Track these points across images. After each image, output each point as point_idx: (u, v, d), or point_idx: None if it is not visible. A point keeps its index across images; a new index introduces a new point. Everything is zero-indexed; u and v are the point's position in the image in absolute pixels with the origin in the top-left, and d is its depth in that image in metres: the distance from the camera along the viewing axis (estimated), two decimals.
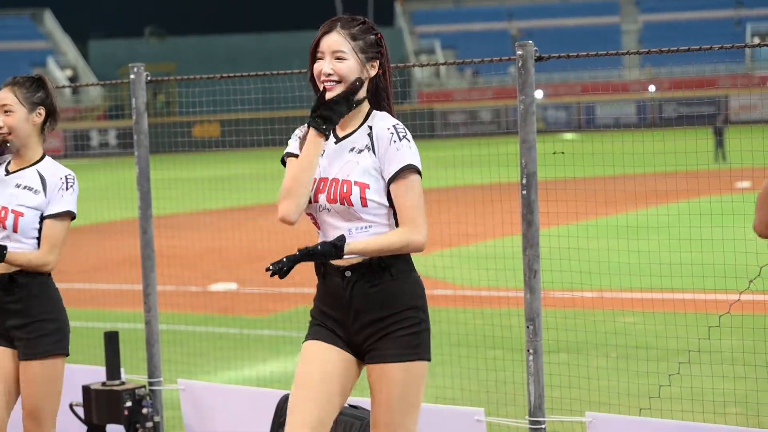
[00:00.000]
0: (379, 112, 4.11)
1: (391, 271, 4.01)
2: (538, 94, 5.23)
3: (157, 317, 6.56)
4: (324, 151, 4.06)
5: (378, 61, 4.10)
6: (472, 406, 5.92)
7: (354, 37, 4.05)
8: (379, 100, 4.13)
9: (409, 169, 3.96)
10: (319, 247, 3.91)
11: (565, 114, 56.77)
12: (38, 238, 5.15)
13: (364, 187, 3.97)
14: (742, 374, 7.51)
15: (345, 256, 3.93)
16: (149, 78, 6.52)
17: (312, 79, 4.11)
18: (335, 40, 4.04)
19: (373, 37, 4.09)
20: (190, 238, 17.61)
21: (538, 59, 5.18)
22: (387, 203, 4.01)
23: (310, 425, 3.95)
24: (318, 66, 4.06)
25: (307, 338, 4.16)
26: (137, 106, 6.50)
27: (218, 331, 11.74)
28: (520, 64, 5.16)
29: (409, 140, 4.00)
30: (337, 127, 4.08)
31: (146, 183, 6.53)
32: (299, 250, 3.91)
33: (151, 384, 6.50)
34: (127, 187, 8.50)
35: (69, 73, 71.43)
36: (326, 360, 4.06)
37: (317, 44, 4.08)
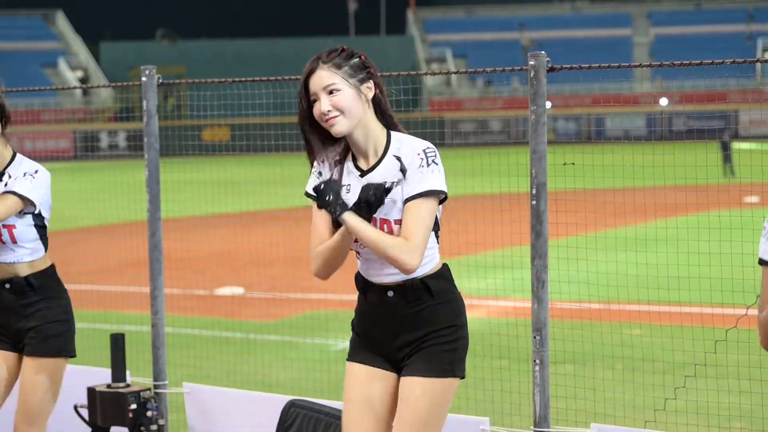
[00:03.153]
0: (397, 134, 4.05)
1: (432, 292, 4.02)
2: (546, 104, 5.23)
3: (164, 320, 6.56)
4: (350, 185, 4.03)
5: (372, 81, 4.01)
6: (477, 415, 5.91)
7: (339, 66, 3.96)
8: (385, 118, 4.06)
9: (427, 195, 3.92)
10: (328, 197, 3.88)
11: (575, 125, 56.74)
12: (39, 238, 5.19)
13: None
14: (747, 389, 7.50)
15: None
16: (160, 81, 6.53)
17: (301, 125, 4.03)
18: (321, 76, 3.95)
19: (356, 60, 3.99)
20: (198, 242, 17.62)
21: (550, 70, 5.18)
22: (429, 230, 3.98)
23: None
24: (316, 109, 3.96)
25: (350, 356, 4.18)
26: (148, 109, 6.51)
27: (224, 335, 11.74)
28: (532, 75, 5.15)
29: (437, 164, 3.95)
30: (359, 158, 4.03)
31: (155, 185, 6.54)
32: (314, 189, 3.95)
33: (156, 387, 6.50)
34: (136, 189, 8.52)
35: (80, 74, 71.57)
36: (372, 384, 4.10)
37: (306, 88, 3.98)
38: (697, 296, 7.68)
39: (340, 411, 4.24)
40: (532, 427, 5.29)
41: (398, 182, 3.94)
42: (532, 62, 5.17)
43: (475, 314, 11.00)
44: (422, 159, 3.94)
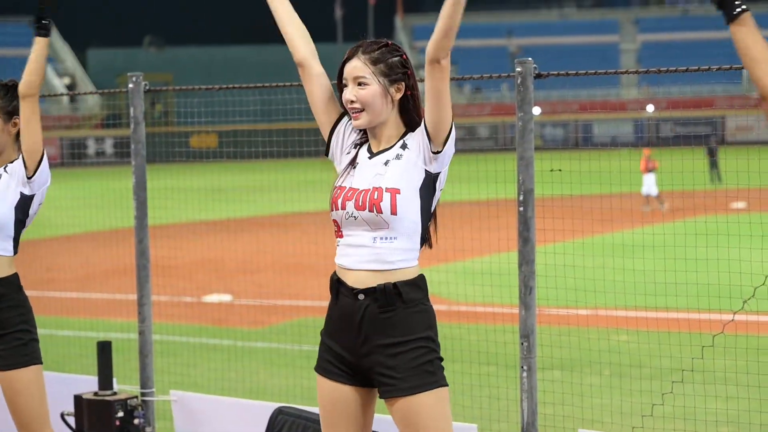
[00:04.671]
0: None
1: (404, 298, 3.98)
2: (535, 110, 5.23)
3: (151, 328, 6.55)
4: (358, 164, 4.06)
5: (404, 84, 4.04)
6: (465, 421, 5.91)
7: (375, 61, 4.00)
8: (410, 120, 4.07)
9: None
10: None
11: (563, 131, 56.85)
12: (14, 237, 5.12)
13: (394, 192, 3.93)
14: (734, 394, 7.52)
15: None
16: (147, 87, 6.52)
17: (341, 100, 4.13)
18: (355, 66, 4.01)
19: (396, 58, 4.03)
20: (186, 249, 17.59)
21: (538, 76, 5.19)
22: (417, 218, 3.98)
23: None
24: (345, 94, 4.04)
25: (318, 366, 4.17)
26: (135, 116, 6.50)
27: (212, 343, 11.72)
28: (519, 81, 5.16)
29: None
30: (372, 141, 4.09)
31: (143, 192, 6.53)
32: None
33: (143, 394, 6.48)
34: (123, 196, 8.50)
35: (67, 81, 71.47)
36: (339, 400, 4.09)
37: (341, 72, 4.06)
38: (685, 302, 7.70)
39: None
40: None
41: (402, 149, 4.01)
42: (519, 69, 5.17)
43: (462, 321, 11.01)
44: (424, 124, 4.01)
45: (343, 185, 4.04)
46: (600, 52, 73.64)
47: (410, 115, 4.07)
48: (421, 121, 4.04)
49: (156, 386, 6.64)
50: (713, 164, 31.19)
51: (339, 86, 4.09)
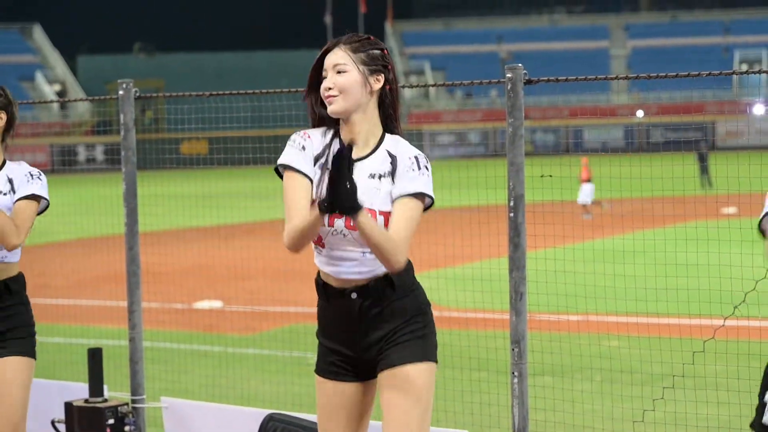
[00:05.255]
0: (393, 136, 4.05)
1: (396, 288, 3.99)
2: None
3: (142, 334, 6.54)
4: None
5: (383, 75, 4.01)
6: (456, 428, 5.91)
7: (355, 50, 3.99)
8: (386, 117, 4.05)
9: (417, 196, 3.93)
10: (345, 197, 3.65)
11: (553, 137, 56.91)
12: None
13: (387, 215, 3.93)
14: (725, 400, 7.52)
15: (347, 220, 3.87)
16: (138, 94, 6.51)
17: (307, 97, 4.05)
18: (336, 54, 3.99)
19: (377, 51, 4.02)
20: (176, 255, 17.57)
21: (528, 82, 5.19)
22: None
23: None
24: (323, 83, 3.98)
25: (318, 368, 4.14)
26: (125, 122, 6.49)
27: (202, 349, 11.70)
28: (509, 87, 5.16)
29: (428, 169, 3.98)
30: (346, 140, 3.97)
31: (133, 199, 6.52)
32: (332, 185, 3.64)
33: (134, 401, 6.47)
34: (114, 202, 8.49)
35: (57, 87, 71.38)
36: (342, 396, 4.08)
37: (321, 64, 4.02)
38: (675, 307, 7.70)
39: (317, 424, 4.22)
40: None
41: (388, 174, 3.95)
42: (509, 75, 5.18)
43: (453, 326, 11.00)
44: (413, 162, 3.96)
45: (317, 198, 3.92)
46: (590, 57, 73.76)
47: (387, 110, 4.04)
48: (396, 119, 4.04)
49: (147, 393, 6.63)
50: (704, 169, 31.27)
51: (312, 77, 4.02)
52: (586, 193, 25.40)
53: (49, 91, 69.51)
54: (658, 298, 7.43)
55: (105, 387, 6.45)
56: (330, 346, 4.10)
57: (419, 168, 3.96)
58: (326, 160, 3.99)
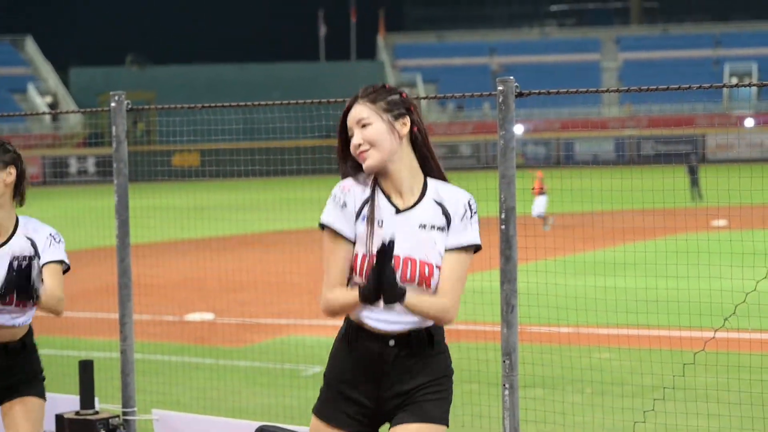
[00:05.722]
0: (434, 180, 4.01)
1: (434, 343, 3.98)
2: (518, 129, 5.25)
3: (133, 346, 6.53)
4: (382, 220, 3.93)
5: (408, 118, 3.97)
6: None
7: (374, 101, 3.94)
8: (422, 158, 4.01)
9: (468, 248, 3.94)
10: (384, 285, 3.73)
11: (545, 150, 57.03)
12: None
13: (440, 269, 3.92)
14: (716, 412, 7.54)
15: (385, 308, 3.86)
16: (130, 106, 6.52)
17: (341, 163, 4.01)
18: (356, 111, 3.94)
19: (396, 96, 3.98)
20: (168, 268, 17.56)
21: (519, 95, 5.20)
22: None
23: None
24: (352, 142, 3.94)
25: (320, 411, 4.04)
26: (117, 134, 6.49)
27: (194, 361, 11.69)
28: (500, 100, 5.18)
29: (477, 215, 4.00)
30: (392, 195, 3.96)
31: (125, 211, 6.52)
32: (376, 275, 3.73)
33: (125, 414, 6.46)
34: (105, 214, 8.49)
35: (49, 99, 71.33)
36: None
37: (345, 126, 3.98)
38: (666, 320, 7.72)
39: None
40: None
41: (442, 229, 3.95)
42: (500, 87, 5.19)
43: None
44: (467, 210, 3.96)
45: (366, 252, 3.89)
46: (581, 70, 73.93)
47: (421, 151, 4.00)
48: (433, 158, 4.02)
49: (138, 405, 6.62)
50: (694, 182, 31.35)
51: (342, 140, 3.99)
52: (539, 206, 25.54)
53: (41, 102, 69.46)
54: (649, 310, 7.45)
55: (96, 399, 6.44)
56: (348, 393, 3.98)
57: (471, 216, 3.96)
58: (370, 212, 3.94)
